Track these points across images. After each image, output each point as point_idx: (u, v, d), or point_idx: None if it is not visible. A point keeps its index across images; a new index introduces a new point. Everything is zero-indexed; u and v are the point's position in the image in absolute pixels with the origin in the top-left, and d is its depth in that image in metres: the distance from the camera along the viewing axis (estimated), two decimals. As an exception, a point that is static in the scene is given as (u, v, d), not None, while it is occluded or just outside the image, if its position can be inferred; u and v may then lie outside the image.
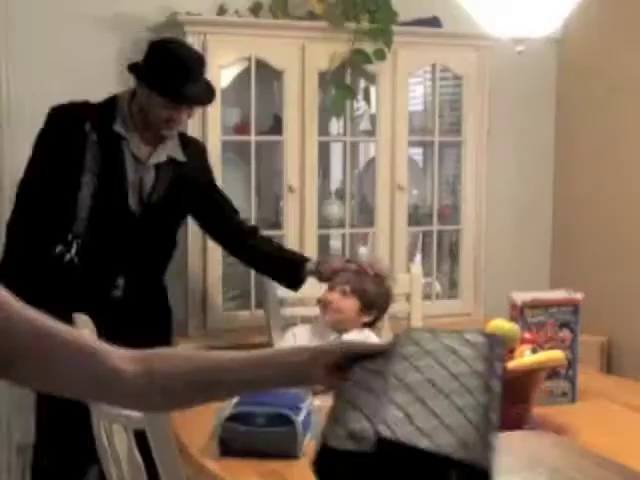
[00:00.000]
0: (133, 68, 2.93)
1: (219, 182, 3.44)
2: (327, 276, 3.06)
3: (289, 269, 3.15)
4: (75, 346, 1.32)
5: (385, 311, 3.09)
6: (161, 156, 2.97)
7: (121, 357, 1.34)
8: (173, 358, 1.38)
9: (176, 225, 3.14)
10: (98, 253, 2.90)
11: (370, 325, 3.03)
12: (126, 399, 1.39)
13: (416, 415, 1.17)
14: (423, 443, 1.13)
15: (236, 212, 3.22)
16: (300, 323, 3.22)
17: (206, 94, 2.99)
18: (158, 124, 2.89)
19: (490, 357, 1.33)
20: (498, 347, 1.37)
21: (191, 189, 3.06)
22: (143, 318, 2.97)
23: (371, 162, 3.86)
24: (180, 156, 3.02)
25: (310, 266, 3.11)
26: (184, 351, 1.45)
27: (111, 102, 2.97)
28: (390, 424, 1.15)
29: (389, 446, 1.14)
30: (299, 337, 3.00)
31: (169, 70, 2.85)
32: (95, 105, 2.95)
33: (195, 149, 3.13)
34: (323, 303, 2.98)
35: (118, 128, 2.91)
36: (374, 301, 3.00)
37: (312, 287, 3.11)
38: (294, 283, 3.16)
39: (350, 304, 2.96)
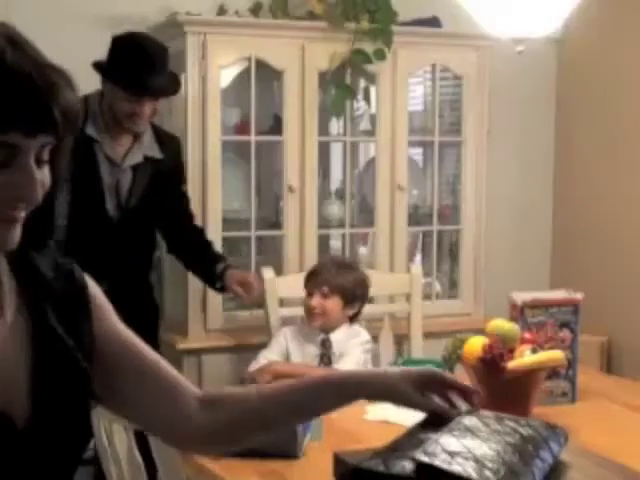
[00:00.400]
0: (97, 65, 2.89)
1: (219, 182, 3.45)
2: (229, 286, 3.09)
3: (206, 270, 3.17)
4: (160, 373, 1.31)
5: (367, 298, 3.11)
6: (137, 156, 2.93)
7: (195, 399, 1.32)
8: (243, 402, 1.35)
9: (156, 223, 3.11)
10: (78, 260, 2.87)
11: (356, 316, 3.05)
12: (186, 445, 1.42)
13: (455, 450, 1.24)
14: (454, 467, 1.20)
15: (192, 216, 3.21)
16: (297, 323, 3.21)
17: (170, 85, 2.93)
18: (122, 119, 2.84)
19: (547, 438, 1.39)
20: (560, 437, 1.45)
21: (167, 185, 3.03)
22: (128, 318, 2.91)
23: (371, 162, 3.86)
24: (157, 153, 2.98)
25: (219, 270, 3.11)
26: (253, 391, 1.38)
27: (82, 103, 2.93)
28: (429, 453, 1.24)
29: (425, 469, 1.21)
30: (289, 339, 3.02)
31: (130, 63, 2.80)
32: None
33: (172, 145, 3.10)
34: (308, 310, 2.99)
35: (90, 131, 2.85)
36: (355, 293, 3.04)
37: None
38: (213, 285, 3.19)
39: (333, 304, 2.99)
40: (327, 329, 2.99)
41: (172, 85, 2.94)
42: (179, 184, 3.14)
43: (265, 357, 2.97)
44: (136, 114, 2.84)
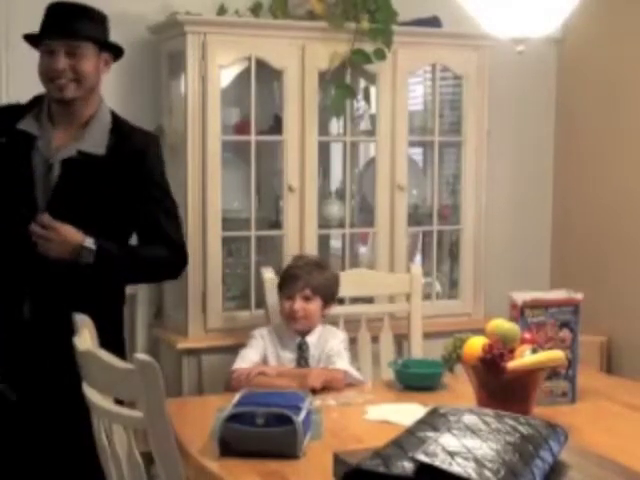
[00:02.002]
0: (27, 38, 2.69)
1: (219, 182, 3.44)
2: None
3: None
4: None
5: (337, 294, 3.13)
6: (70, 151, 2.62)
7: None
8: None
9: (106, 228, 2.65)
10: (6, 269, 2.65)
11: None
12: None
13: (454, 450, 1.24)
14: (454, 468, 1.19)
15: (162, 238, 2.71)
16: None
17: (86, 29, 2.61)
18: (47, 87, 2.63)
19: (547, 437, 1.39)
20: (560, 436, 1.44)
21: (116, 189, 2.64)
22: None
23: (371, 162, 3.86)
24: (99, 149, 2.64)
25: None
26: None
27: (36, 101, 2.74)
28: (429, 454, 1.25)
29: (425, 470, 1.20)
30: (266, 340, 3.01)
31: (45, 19, 2.63)
32: (22, 106, 2.74)
33: (133, 142, 2.71)
34: (290, 314, 2.98)
35: (23, 126, 2.65)
36: (332, 291, 3.08)
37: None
38: None
39: (315, 306, 3.00)
40: (305, 331, 3.00)
41: (89, 29, 2.61)
42: (141, 191, 2.70)
43: (249, 358, 2.95)
44: (54, 72, 2.57)
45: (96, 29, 2.66)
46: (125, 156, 2.67)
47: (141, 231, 2.74)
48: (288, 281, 3.05)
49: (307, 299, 2.99)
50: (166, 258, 2.73)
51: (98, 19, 2.68)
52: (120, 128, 2.72)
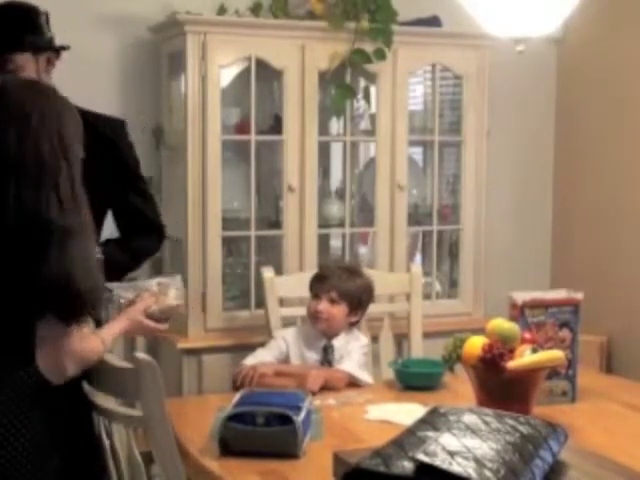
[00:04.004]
0: None
1: (219, 181, 3.44)
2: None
3: None
4: None
5: (369, 304, 3.10)
6: None
7: None
8: None
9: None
10: None
11: (356, 322, 3.05)
12: None
13: (454, 450, 1.24)
14: (454, 468, 1.19)
15: (145, 230, 2.72)
16: (294, 325, 3.19)
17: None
18: None
19: (547, 437, 1.39)
20: (560, 435, 1.45)
21: (92, 182, 2.23)
22: None
23: (371, 162, 3.86)
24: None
25: None
26: None
27: None
28: (429, 453, 1.25)
29: (425, 469, 1.21)
30: (289, 342, 3.01)
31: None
32: None
33: (95, 132, 2.44)
34: (313, 313, 2.97)
35: None
36: (360, 299, 3.03)
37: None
38: None
39: (340, 310, 2.98)
40: (329, 334, 2.99)
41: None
42: (118, 181, 2.64)
43: (259, 357, 2.95)
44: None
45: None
46: (96, 146, 2.38)
47: (122, 220, 2.69)
48: (317, 280, 3.04)
49: (333, 302, 2.97)
50: (151, 244, 2.77)
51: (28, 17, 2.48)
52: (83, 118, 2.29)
